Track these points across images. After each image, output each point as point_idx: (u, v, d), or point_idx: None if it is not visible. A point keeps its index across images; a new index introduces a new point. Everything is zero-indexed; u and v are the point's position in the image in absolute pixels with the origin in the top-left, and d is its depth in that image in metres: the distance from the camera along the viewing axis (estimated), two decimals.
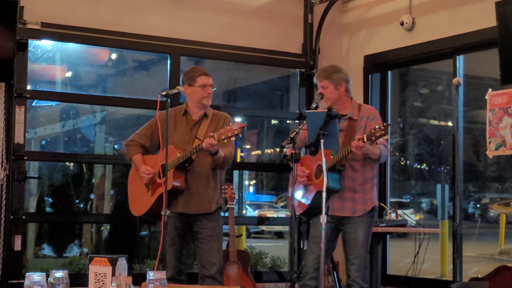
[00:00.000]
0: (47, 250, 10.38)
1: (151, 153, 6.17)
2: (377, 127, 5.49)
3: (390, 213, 7.46)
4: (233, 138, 5.56)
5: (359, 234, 5.90)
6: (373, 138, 5.46)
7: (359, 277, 5.89)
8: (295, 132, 5.53)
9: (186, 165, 5.87)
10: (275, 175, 22.22)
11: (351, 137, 5.75)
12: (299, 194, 6.10)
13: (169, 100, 5.58)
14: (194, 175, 5.94)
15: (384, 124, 5.52)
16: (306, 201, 6.01)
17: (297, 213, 6.11)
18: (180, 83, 6.15)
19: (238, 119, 8.04)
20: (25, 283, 2.80)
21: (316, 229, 5.92)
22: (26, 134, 7.19)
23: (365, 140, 5.48)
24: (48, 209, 10.39)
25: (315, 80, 6.12)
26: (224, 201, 6.37)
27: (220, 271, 5.99)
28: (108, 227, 10.17)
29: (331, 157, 5.67)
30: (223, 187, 6.27)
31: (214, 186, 6.03)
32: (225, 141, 5.56)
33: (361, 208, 5.91)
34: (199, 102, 6.06)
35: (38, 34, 7.22)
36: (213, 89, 6.11)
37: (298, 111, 8.50)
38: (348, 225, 5.86)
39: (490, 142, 6.90)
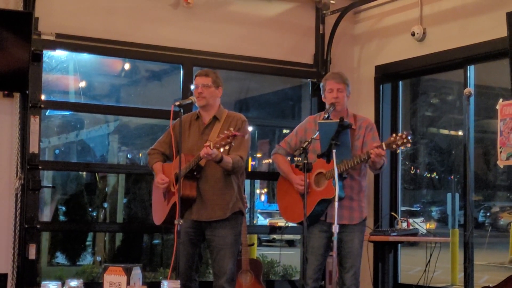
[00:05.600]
0: (60, 258, 10.42)
1: (172, 159, 6.20)
2: (396, 134, 5.57)
3: (402, 222, 7.47)
4: (227, 147, 5.46)
5: (356, 242, 5.97)
6: (394, 146, 5.53)
7: (354, 285, 5.95)
8: (307, 142, 5.56)
9: (195, 173, 5.84)
10: None
11: (351, 146, 5.83)
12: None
13: (182, 110, 5.60)
14: (206, 182, 5.91)
15: (405, 132, 5.57)
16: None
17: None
18: None
19: (249, 129, 8.07)
20: None
21: (312, 240, 5.97)
22: (40, 143, 7.22)
23: (384, 148, 5.56)
24: (61, 218, 10.44)
25: (324, 82, 6.14)
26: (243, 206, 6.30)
27: (230, 280, 5.95)
28: (121, 236, 10.20)
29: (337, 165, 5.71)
30: (243, 192, 6.14)
31: (228, 191, 5.94)
32: (221, 149, 5.48)
33: (358, 216, 6.00)
34: (196, 104, 6.04)
35: (53, 45, 7.26)
36: (210, 88, 5.99)
37: None
38: (344, 233, 5.88)
39: (501, 152, 6.91)
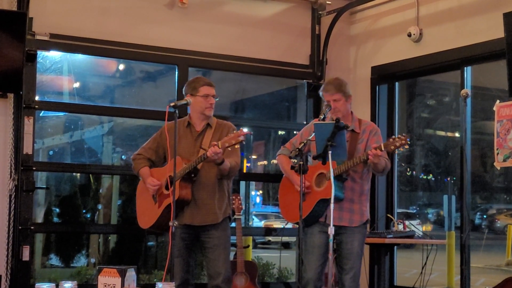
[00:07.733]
0: (54, 260, 10.37)
1: (158, 166, 6.19)
2: (396, 136, 5.56)
3: (398, 224, 7.45)
4: (237, 146, 5.57)
5: (356, 244, 5.96)
6: (392, 147, 5.52)
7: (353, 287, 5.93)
8: (303, 143, 5.55)
9: (192, 175, 5.87)
10: None
11: (353, 149, 5.83)
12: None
13: (177, 111, 5.58)
14: (200, 186, 5.94)
15: (404, 134, 5.56)
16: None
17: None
18: (183, 92, 6.14)
19: (245, 130, 8.03)
20: None
21: (313, 240, 5.94)
22: (34, 144, 7.19)
23: (382, 149, 5.55)
24: (55, 219, 10.39)
25: (321, 93, 6.10)
26: (231, 212, 6.35)
27: (226, 280, 5.99)
28: (115, 238, 10.16)
29: (336, 166, 5.69)
30: (231, 197, 6.23)
31: (220, 196, 6.02)
32: (230, 149, 5.57)
33: (358, 219, 5.98)
34: (202, 112, 6.03)
35: (47, 45, 7.25)
36: (216, 100, 6.06)
37: (305, 122, 8.50)
38: (344, 235, 5.90)
39: (498, 154, 6.90)
